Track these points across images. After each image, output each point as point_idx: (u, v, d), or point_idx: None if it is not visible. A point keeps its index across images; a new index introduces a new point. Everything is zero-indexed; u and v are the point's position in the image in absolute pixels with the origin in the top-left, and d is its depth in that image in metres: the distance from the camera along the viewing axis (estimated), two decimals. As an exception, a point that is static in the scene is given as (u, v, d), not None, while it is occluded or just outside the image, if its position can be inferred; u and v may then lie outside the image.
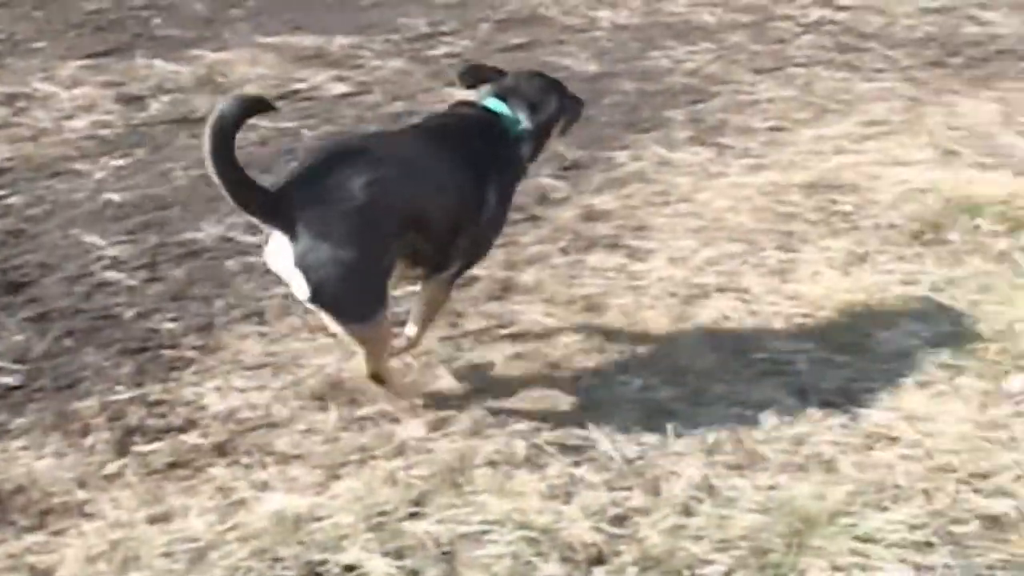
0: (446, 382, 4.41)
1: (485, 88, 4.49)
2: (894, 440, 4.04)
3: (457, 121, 4.41)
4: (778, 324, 4.76)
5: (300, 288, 3.83)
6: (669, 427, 4.11)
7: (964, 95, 7.40)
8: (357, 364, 4.24)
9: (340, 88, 7.45)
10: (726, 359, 4.52)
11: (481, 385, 4.38)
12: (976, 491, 3.78)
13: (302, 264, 3.78)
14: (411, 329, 4.46)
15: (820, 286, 5.04)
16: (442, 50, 8.27)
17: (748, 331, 4.71)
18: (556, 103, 4.49)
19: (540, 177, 5.93)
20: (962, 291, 4.96)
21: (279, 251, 3.83)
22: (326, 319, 4.00)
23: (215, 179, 3.70)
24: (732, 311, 4.86)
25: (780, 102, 7.34)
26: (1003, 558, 3.50)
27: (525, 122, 4.36)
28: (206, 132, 3.66)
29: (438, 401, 4.27)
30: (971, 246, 5.35)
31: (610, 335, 4.69)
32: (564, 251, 5.35)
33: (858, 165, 6.27)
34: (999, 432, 4.07)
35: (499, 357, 4.55)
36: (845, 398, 4.27)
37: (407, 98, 7.31)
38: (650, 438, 4.06)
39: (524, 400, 4.28)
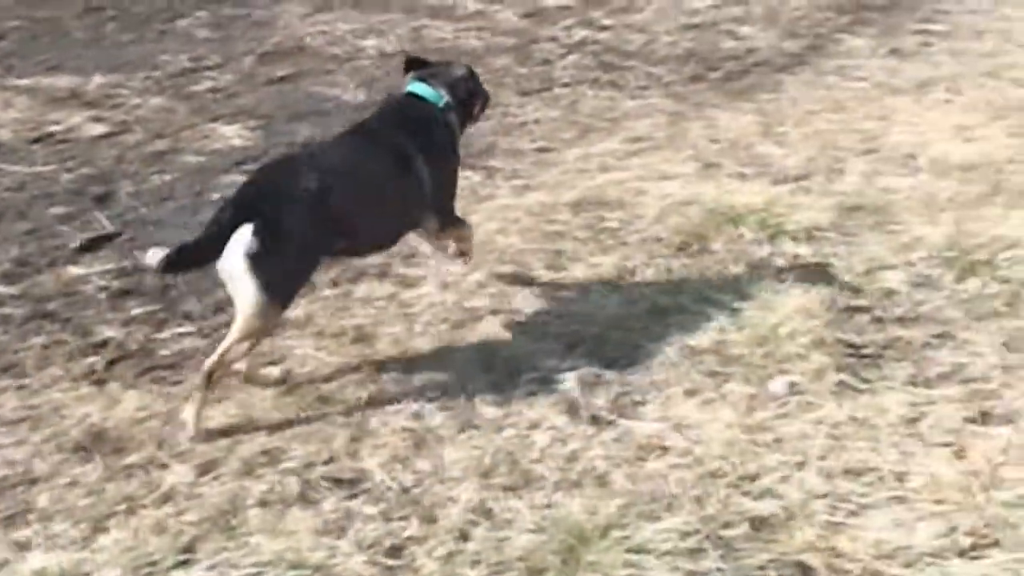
0: (215, 422, 4.30)
1: (408, 76, 5.05)
2: (665, 450, 4.11)
3: (385, 113, 4.96)
4: (548, 343, 4.78)
5: (245, 246, 4.09)
6: (443, 453, 4.10)
7: (724, 108, 7.60)
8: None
9: (98, 129, 7.21)
10: (498, 380, 4.52)
11: (251, 424, 4.29)
12: (745, 494, 3.86)
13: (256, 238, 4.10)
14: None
15: (589, 303, 5.09)
16: (205, 85, 8.10)
17: (519, 352, 4.72)
18: (472, 82, 5.10)
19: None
20: (727, 299, 5.06)
21: (238, 236, 4.11)
22: (242, 285, 4.14)
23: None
24: (503, 333, 4.88)
25: (546, 123, 7.41)
26: (772, 558, 3.58)
27: (447, 96, 4.93)
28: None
29: (207, 443, 4.17)
30: (734, 255, 5.48)
31: (381, 365, 4.66)
32: (333, 283, 5.28)
33: (624, 181, 6.37)
34: (765, 434, 4.17)
35: (269, 394, 4.46)
36: (616, 412, 4.32)
37: (170, 136, 7.14)
38: (425, 465, 4.05)
39: (295, 436, 4.21)
